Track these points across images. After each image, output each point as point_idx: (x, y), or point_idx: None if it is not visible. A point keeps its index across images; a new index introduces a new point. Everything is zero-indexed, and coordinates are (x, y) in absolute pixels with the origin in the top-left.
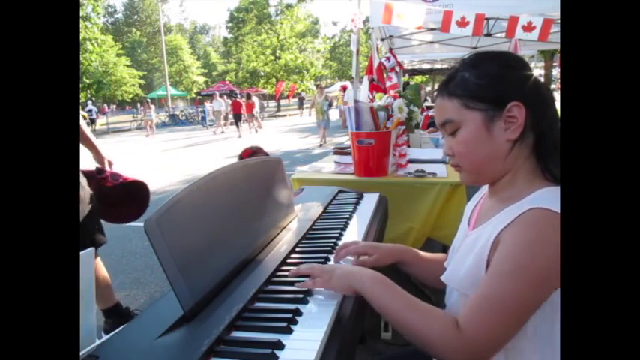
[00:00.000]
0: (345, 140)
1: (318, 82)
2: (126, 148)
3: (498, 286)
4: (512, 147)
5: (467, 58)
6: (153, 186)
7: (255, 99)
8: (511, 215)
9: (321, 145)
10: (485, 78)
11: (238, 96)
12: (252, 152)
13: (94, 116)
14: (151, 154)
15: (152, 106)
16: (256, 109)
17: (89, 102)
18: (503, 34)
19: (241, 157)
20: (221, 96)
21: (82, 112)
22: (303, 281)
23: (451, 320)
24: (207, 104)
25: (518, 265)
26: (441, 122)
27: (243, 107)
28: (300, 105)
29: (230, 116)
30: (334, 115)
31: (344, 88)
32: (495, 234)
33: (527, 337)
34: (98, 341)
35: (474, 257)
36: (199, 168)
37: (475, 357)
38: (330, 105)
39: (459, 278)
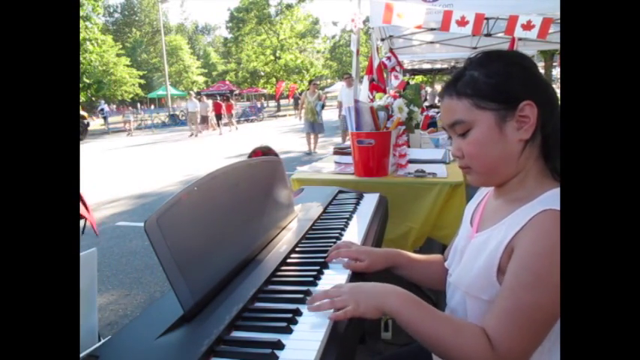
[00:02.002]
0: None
1: (312, 80)
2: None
3: (522, 298)
4: (524, 147)
5: (474, 57)
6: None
7: (232, 102)
8: (524, 217)
9: (310, 153)
10: (496, 77)
11: (218, 98)
12: (262, 153)
13: (106, 114)
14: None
15: (130, 108)
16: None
17: (101, 101)
18: (503, 34)
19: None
20: (197, 97)
21: (82, 112)
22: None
23: (482, 335)
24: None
25: (539, 276)
26: (451, 123)
27: (224, 108)
28: (296, 105)
29: (209, 117)
30: (328, 116)
31: None
32: (509, 238)
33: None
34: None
35: (485, 260)
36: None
37: None
38: (323, 106)
39: (467, 281)
